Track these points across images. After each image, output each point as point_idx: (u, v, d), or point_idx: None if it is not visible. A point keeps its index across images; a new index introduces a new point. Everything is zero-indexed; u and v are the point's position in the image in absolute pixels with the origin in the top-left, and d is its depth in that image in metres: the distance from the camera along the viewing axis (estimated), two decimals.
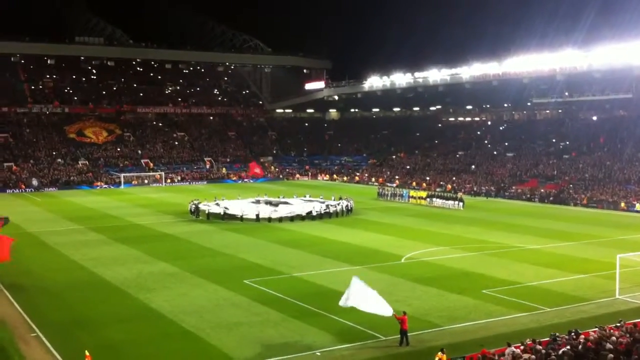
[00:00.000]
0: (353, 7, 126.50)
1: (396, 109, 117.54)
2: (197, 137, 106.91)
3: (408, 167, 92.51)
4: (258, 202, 57.02)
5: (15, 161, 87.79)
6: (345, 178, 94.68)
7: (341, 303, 22.29)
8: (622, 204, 59.18)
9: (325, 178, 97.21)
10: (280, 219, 51.03)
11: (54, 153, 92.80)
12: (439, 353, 18.28)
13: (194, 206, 54.24)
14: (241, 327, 23.62)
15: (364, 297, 21.83)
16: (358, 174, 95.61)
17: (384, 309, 21.86)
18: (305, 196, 61.27)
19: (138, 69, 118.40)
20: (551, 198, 65.11)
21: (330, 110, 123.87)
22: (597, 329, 19.03)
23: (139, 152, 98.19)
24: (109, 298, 28.06)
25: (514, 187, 72.19)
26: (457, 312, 25.29)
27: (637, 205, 58.08)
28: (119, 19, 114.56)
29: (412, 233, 45.26)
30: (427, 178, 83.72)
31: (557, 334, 18.59)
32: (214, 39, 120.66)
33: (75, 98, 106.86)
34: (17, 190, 79.98)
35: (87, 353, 18.53)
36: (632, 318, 22.05)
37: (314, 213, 52.69)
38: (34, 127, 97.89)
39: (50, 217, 55.36)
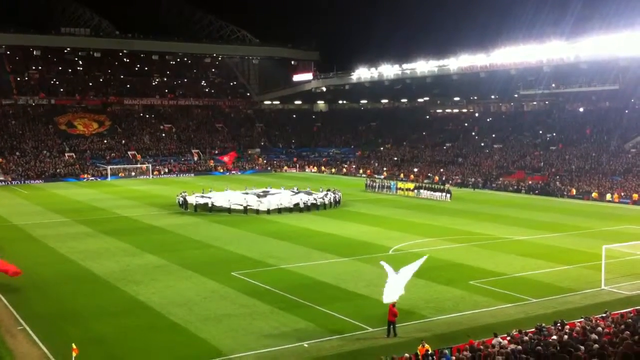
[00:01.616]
0: None
1: (384, 101, 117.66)
2: (185, 129, 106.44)
3: (396, 158, 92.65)
4: (246, 193, 56.84)
5: (0, 153, 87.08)
6: (333, 170, 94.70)
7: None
8: (594, 194, 59.78)
9: (313, 170, 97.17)
10: (268, 211, 51.00)
11: (41, 145, 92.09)
12: (420, 346, 18.31)
13: (182, 199, 54.07)
14: (229, 319, 23.61)
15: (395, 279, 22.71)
16: (346, 165, 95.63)
17: (394, 293, 22.39)
18: (293, 189, 61.14)
19: (125, 60, 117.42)
20: (537, 191, 65.41)
21: (318, 101, 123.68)
22: (583, 319, 19.18)
23: (123, 142, 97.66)
24: (97, 291, 27.93)
25: (500, 179, 72.51)
26: (445, 303, 25.43)
27: (608, 195, 58.82)
28: (105, 8, 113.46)
29: (399, 225, 45.35)
30: (415, 170, 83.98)
31: (543, 324, 18.72)
32: (202, 30, 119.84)
33: (62, 90, 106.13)
34: (2, 182, 79.36)
35: (74, 346, 18.43)
36: (618, 309, 22.26)
37: (302, 205, 52.70)
38: (19, 119, 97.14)
39: (37, 210, 54.95)
